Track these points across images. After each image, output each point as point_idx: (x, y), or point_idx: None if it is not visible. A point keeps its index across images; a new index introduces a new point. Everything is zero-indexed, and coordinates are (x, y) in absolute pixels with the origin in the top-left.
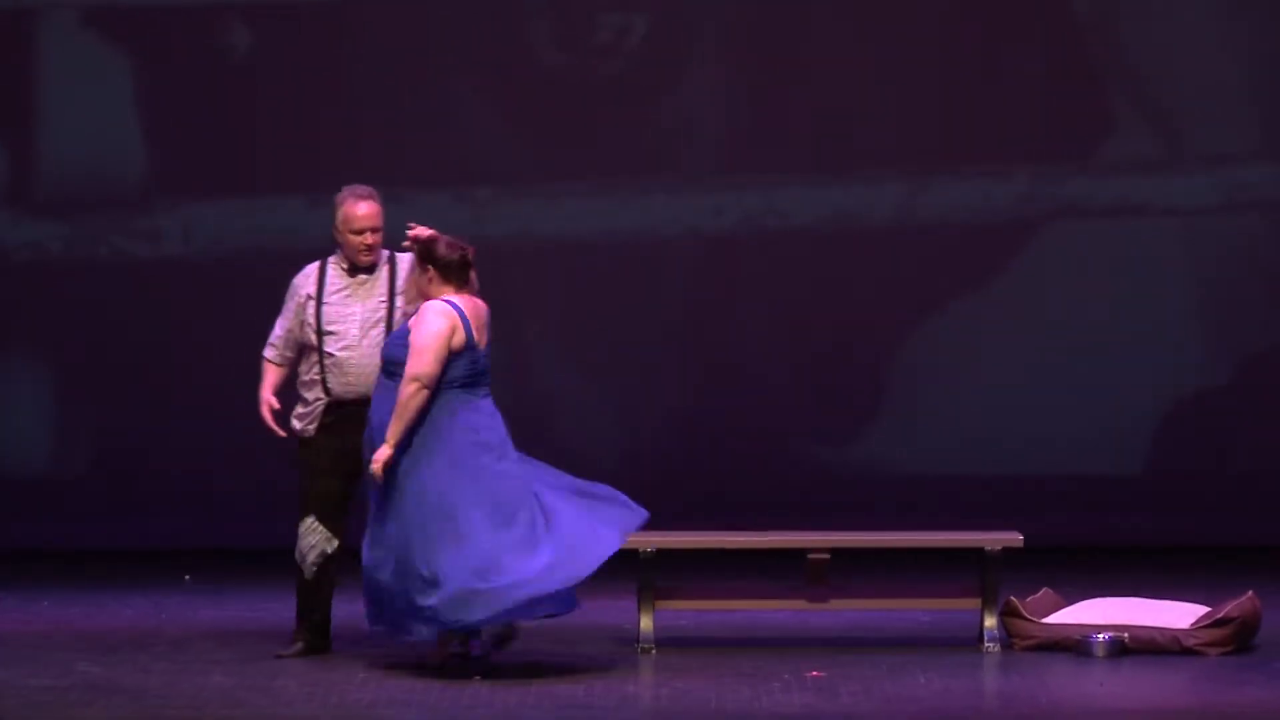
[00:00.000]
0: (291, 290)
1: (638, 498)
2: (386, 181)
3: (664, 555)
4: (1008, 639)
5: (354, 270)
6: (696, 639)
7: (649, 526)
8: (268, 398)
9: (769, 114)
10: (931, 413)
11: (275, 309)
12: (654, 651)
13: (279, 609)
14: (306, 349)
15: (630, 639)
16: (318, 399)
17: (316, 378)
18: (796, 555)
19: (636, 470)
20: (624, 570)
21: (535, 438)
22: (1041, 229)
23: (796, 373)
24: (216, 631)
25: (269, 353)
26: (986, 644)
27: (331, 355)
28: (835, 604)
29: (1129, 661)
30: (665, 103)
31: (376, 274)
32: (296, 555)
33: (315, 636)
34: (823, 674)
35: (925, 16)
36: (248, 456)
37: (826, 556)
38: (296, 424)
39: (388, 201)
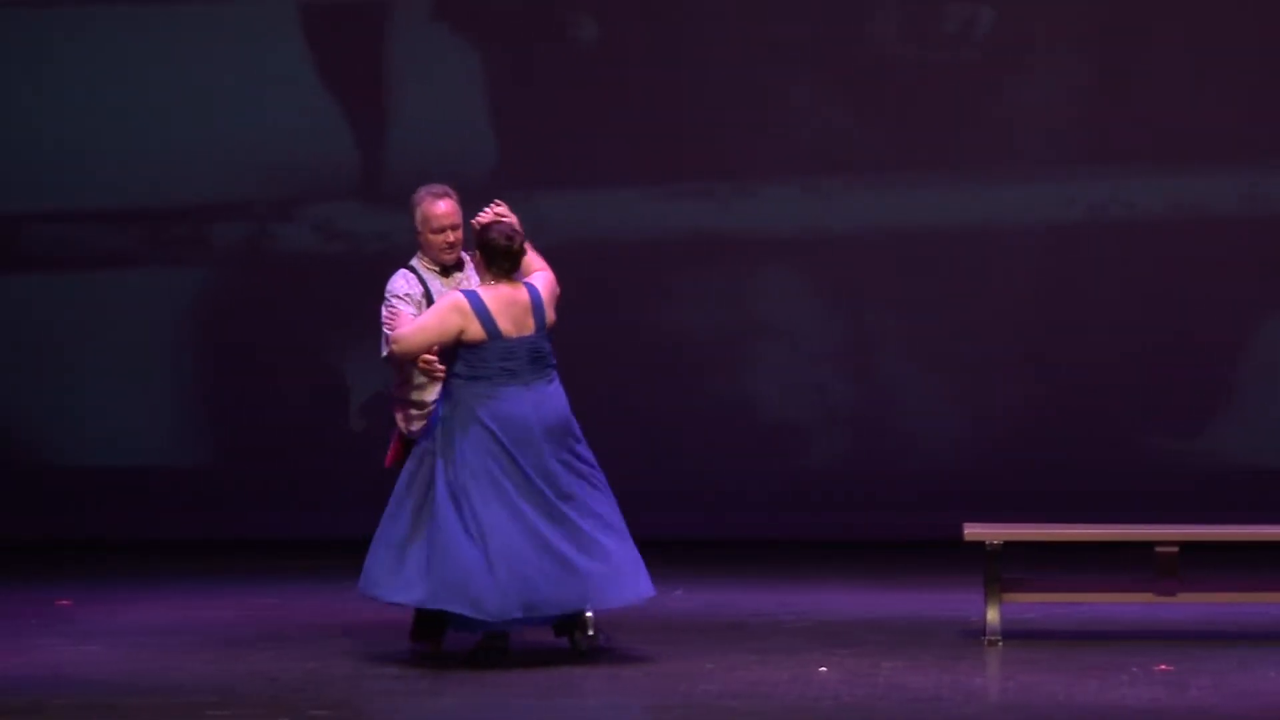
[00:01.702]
0: (396, 294)
1: (982, 488)
2: (734, 173)
3: (1010, 547)
4: None
5: (445, 271)
6: (1044, 631)
7: (993, 517)
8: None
9: (1115, 103)
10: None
11: (622, 300)
12: (1001, 644)
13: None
14: None
15: (977, 632)
16: (435, 400)
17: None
18: (1144, 548)
19: (979, 461)
20: (971, 562)
21: (877, 427)
22: None
23: (1143, 364)
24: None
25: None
26: None
27: None
28: (1184, 597)
29: None
30: (1012, 93)
31: (465, 273)
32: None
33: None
34: (1171, 668)
35: (1276, 3)
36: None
37: (1175, 550)
38: (412, 427)
39: (738, 194)
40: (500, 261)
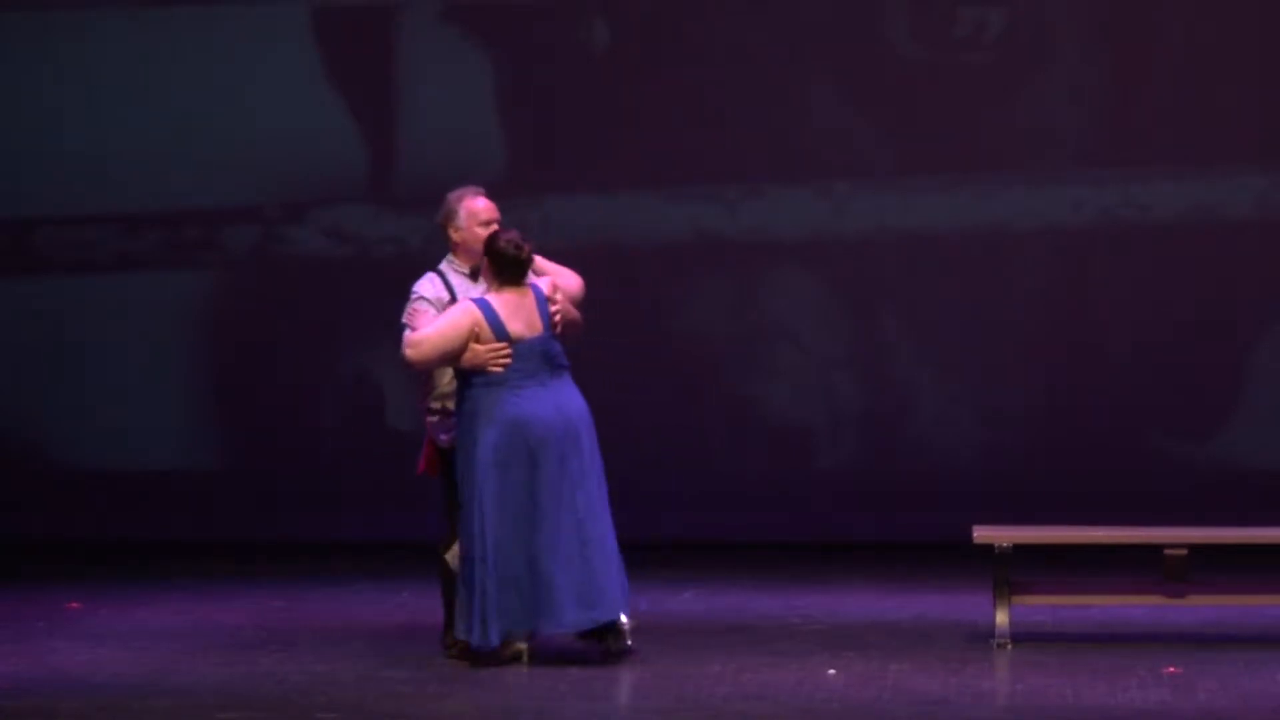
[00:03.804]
0: (422, 295)
1: (994, 492)
2: (744, 176)
3: (1020, 550)
4: None
5: (474, 274)
6: (1052, 634)
7: (1002, 520)
8: (480, 349)
9: (1126, 107)
10: None
11: (632, 303)
12: (1010, 647)
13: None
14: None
15: (986, 634)
16: None
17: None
18: (1153, 550)
19: (989, 463)
20: (979, 565)
21: (886, 429)
22: None
23: (1154, 367)
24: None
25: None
26: None
27: None
28: (1192, 599)
29: None
30: (1023, 95)
31: None
32: (455, 562)
33: None
34: (1180, 670)
35: None
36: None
37: (1184, 552)
38: (436, 434)
39: (748, 196)
40: (509, 269)
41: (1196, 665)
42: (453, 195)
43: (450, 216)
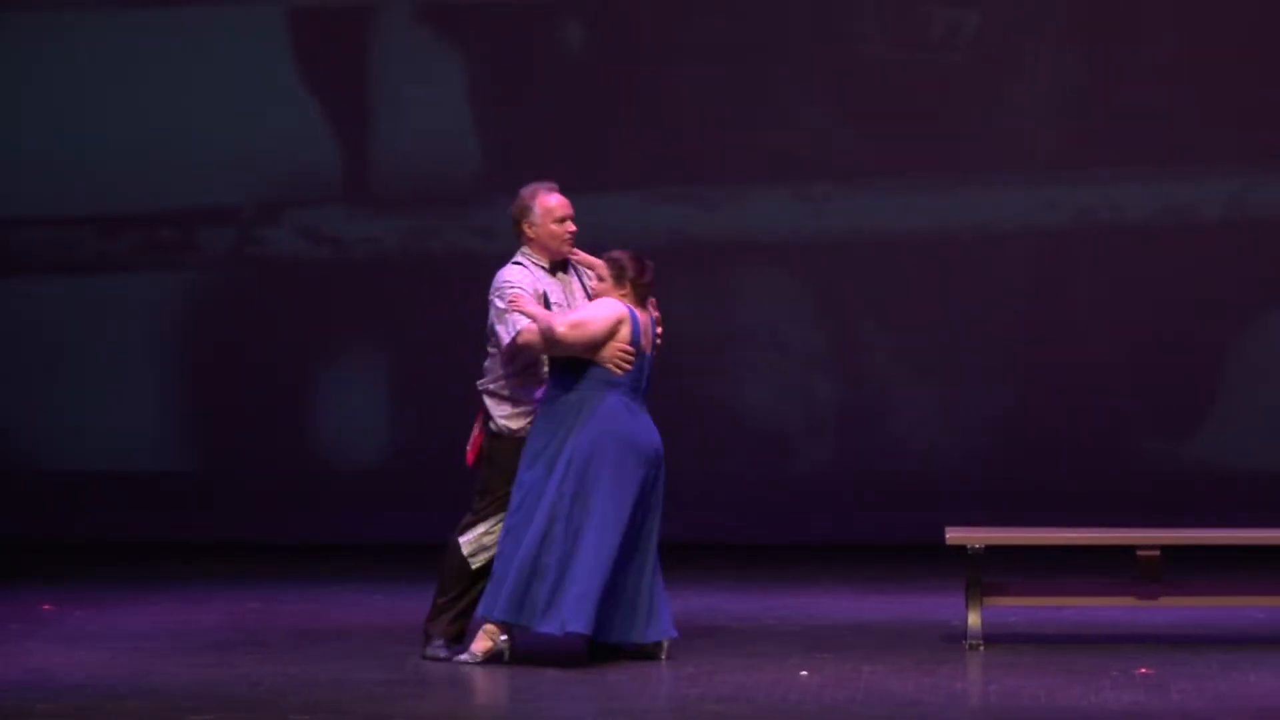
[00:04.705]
0: (516, 283)
1: (970, 493)
2: (721, 178)
3: (993, 551)
4: None
5: (553, 269)
6: (1026, 635)
7: (976, 521)
8: (613, 344)
9: (1102, 109)
10: (1267, 409)
11: None
12: (982, 648)
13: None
14: None
15: (959, 635)
16: (539, 398)
17: (544, 377)
18: (1126, 551)
19: (966, 465)
20: (952, 566)
21: (869, 431)
22: None
23: (1130, 368)
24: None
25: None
26: None
27: None
28: (1166, 601)
29: None
30: (998, 98)
31: (569, 273)
32: (472, 548)
33: (460, 627)
34: (1153, 671)
35: (1262, 9)
36: None
37: (1157, 553)
38: (510, 424)
39: (729, 198)
40: (646, 293)
41: (1170, 666)
42: (526, 191)
43: (525, 212)
